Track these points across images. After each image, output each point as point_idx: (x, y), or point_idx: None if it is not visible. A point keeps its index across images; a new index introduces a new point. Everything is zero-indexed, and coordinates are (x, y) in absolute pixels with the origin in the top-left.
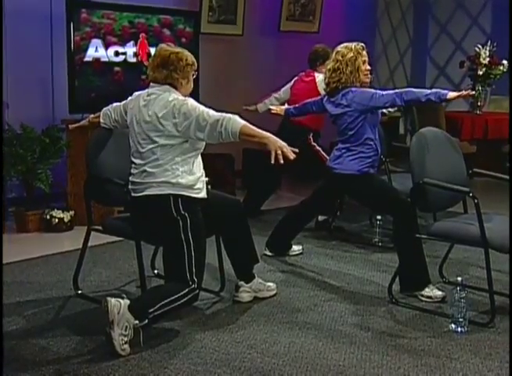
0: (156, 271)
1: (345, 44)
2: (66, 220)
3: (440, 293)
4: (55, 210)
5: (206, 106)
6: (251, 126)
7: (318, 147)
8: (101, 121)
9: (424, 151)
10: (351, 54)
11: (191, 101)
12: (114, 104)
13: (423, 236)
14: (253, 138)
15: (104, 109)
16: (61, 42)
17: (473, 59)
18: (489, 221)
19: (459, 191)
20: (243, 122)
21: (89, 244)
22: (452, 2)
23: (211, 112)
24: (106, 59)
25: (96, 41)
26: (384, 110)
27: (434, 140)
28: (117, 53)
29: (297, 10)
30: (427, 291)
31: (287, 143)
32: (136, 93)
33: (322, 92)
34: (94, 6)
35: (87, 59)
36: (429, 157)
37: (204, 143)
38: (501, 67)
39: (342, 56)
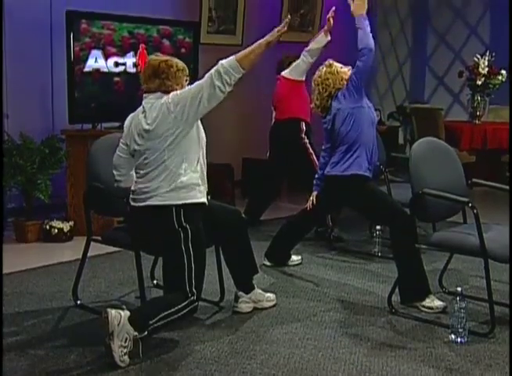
0: (155, 281)
1: None
2: (65, 230)
3: (440, 303)
4: (55, 220)
5: (205, 116)
6: (242, 52)
7: (311, 150)
8: (119, 178)
9: (423, 161)
10: (323, 69)
11: (180, 90)
12: (115, 155)
13: (422, 246)
14: (253, 54)
15: (115, 162)
16: (61, 53)
17: (471, 69)
18: (489, 231)
19: (459, 201)
20: (232, 56)
21: (89, 255)
22: (450, 12)
23: (199, 81)
24: (106, 70)
25: (96, 52)
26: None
27: (433, 150)
28: (116, 64)
29: (297, 20)
30: (428, 302)
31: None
32: (130, 115)
33: (292, 76)
34: (94, 17)
35: (87, 69)
36: (428, 167)
37: (203, 136)
38: (500, 77)
39: (319, 77)
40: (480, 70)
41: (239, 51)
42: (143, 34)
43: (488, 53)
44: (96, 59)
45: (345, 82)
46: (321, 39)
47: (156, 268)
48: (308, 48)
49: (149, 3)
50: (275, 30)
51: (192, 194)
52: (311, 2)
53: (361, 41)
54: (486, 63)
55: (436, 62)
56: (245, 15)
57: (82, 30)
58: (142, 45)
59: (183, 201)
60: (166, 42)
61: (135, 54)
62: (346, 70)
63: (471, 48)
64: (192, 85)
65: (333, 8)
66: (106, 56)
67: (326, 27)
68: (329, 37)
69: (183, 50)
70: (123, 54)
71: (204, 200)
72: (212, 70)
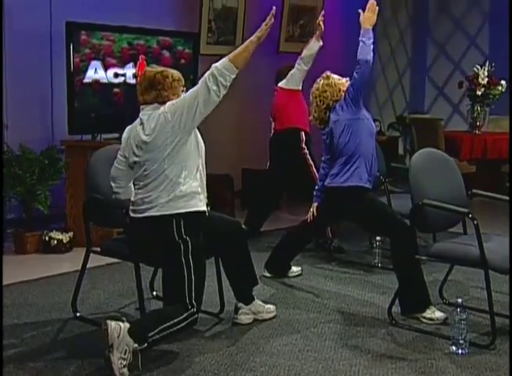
0: (155, 293)
1: None
2: (65, 241)
3: (441, 314)
4: (54, 231)
5: (204, 127)
6: (234, 51)
7: (310, 161)
8: (117, 190)
9: (423, 172)
10: (321, 82)
11: (176, 99)
12: (113, 167)
13: (422, 257)
14: (245, 51)
15: (113, 174)
16: (61, 64)
17: (471, 80)
18: (489, 242)
19: (459, 212)
20: (225, 58)
21: (88, 266)
22: (450, 23)
23: (193, 88)
24: (106, 81)
25: (96, 63)
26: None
27: (432, 161)
28: (116, 75)
29: (296, 31)
30: (429, 313)
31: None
32: (128, 127)
33: (289, 86)
34: (93, 28)
35: (86, 80)
36: (428, 178)
37: (201, 144)
38: (499, 87)
39: (316, 90)
40: (480, 80)
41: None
42: (143, 44)
43: (487, 64)
44: (96, 70)
45: (343, 94)
46: (313, 45)
47: (155, 279)
48: (302, 55)
49: (148, 14)
50: (263, 24)
51: (192, 203)
52: (311, 13)
53: (360, 52)
54: (486, 74)
55: (436, 72)
56: (244, 26)
57: (82, 41)
58: (141, 56)
59: (183, 210)
60: (166, 53)
61: (135, 65)
62: (344, 82)
63: (471, 59)
64: (188, 93)
65: (323, 12)
66: (106, 67)
67: (317, 32)
68: (321, 43)
69: (183, 61)
70: (122, 65)
71: (205, 208)
72: (206, 75)
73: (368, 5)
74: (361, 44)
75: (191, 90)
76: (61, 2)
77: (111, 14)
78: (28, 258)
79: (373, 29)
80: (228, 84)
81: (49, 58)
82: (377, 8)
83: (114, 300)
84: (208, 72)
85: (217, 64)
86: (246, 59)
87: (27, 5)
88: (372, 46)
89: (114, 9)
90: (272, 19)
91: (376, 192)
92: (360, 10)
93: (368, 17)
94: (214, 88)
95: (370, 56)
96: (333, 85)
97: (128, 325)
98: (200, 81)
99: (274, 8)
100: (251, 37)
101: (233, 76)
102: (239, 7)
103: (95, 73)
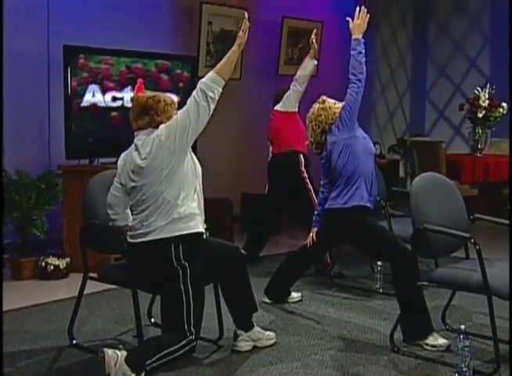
0: (153, 320)
1: None
2: (61, 267)
3: (444, 341)
4: (51, 257)
5: (203, 150)
6: (219, 64)
7: (310, 186)
8: (115, 217)
9: (424, 197)
10: (316, 106)
11: (168, 121)
12: (110, 194)
13: (424, 283)
14: (229, 62)
15: (110, 201)
16: (58, 87)
17: (472, 102)
18: (492, 267)
19: (461, 237)
20: (210, 72)
21: (85, 292)
22: (450, 44)
23: (184, 108)
24: (104, 105)
25: (93, 87)
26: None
27: (433, 185)
28: (114, 98)
29: (295, 54)
30: (431, 340)
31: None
32: (123, 154)
33: (285, 108)
34: (91, 51)
35: (84, 104)
36: (429, 202)
37: (198, 165)
38: (500, 109)
39: (312, 114)
40: (480, 102)
41: (238, 85)
42: (141, 68)
43: (488, 86)
44: (94, 93)
45: (338, 116)
46: (307, 64)
47: (153, 306)
48: (296, 76)
49: (146, 37)
50: (240, 30)
51: (192, 224)
52: (310, 36)
53: (352, 67)
54: (487, 96)
55: (436, 94)
56: (243, 49)
57: (80, 64)
58: (139, 80)
59: (183, 232)
60: (164, 76)
61: (133, 88)
62: (339, 106)
63: (472, 81)
64: (179, 112)
65: (315, 30)
66: (104, 91)
67: (311, 51)
68: (315, 61)
69: (181, 84)
70: (120, 88)
71: (203, 229)
72: (194, 93)
73: (357, 13)
74: (352, 59)
75: (182, 109)
76: (59, 25)
77: (109, 37)
78: (24, 285)
79: (373, 49)
80: (217, 97)
81: (47, 81)
82: (368, 15)
83: (112, 327)
84: (196, 89)
85: (203, 80)
86: (231, 69)
87: (24, 28)
88: (363, 59)
89: (112, 32)
90: (247, 23)
91: (377, 216)
92: (349, 18)
93: (358, 25)
94: (204, 103)
95: (363, 75)
96: (328, 109)
97: (125, 353)
98: (188, 101)
99: (245, 13)
100: (232, 48)
101: (221, 88)
102: (237, 30)
103: (93, 96)
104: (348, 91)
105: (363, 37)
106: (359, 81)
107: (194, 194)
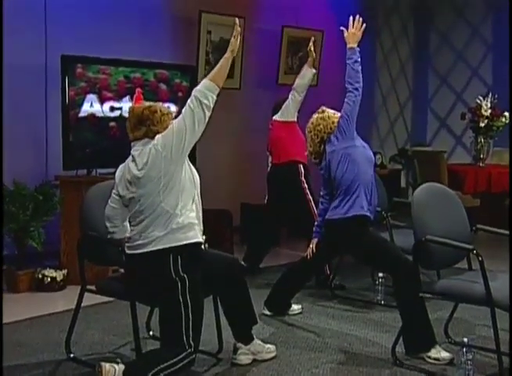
0: (151, 332)
1: None
2: (58, 279)
3: (447, 354)
4: (48, 269)
5: (202, 161)
6: (212, 72)
7: (309, 196)
8: (113, 230)
9: (426, 208)
10: (315, 116)
11: (165, 131)
12: (108, 206)
13: (426, 295)
14: (223, 69)
15: (107, 213)
16: (56, 97)
17: (474, 111)
18: (495, 279)
19: (463, 248)
20: (204, 79)
21: (82, 304)
22: (451, 53)
23: (179, 117)
24: (102, 115)
25: (91, 97)
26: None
27: (435, 196)
28: (112, 108)
29: (295, 63)
30: (434, 353)
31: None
32: (120, 166)
33: (284, 118)
34: (89, 61)
35: (82, 114)
36: (431, 213)
37: (196, 175)
38: (503, 119)
39: (311, 124)
40: (483, 111)
41: (237, 95)
42: (140, 77)
43: (490, 95)
44: (92, 103)
45: (336, 125)
46: (305, 73)
47: (152, 318)
48: (294, 85)
49: (145, 47)
50: (232, 37)
51: (190, 234)
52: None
53: (348, 76)
54: (489, 105)
55: (438, 104)
56: (243, 58)
57: (77, 74)
58: (138, 90)
59: (182, 242)
60: (163, 86)
61: (131, 98)
62: (338, 116)
63: (473, 90)
64: (174, 121)
65: (313, 38)
66: (102, 101)
67: (309, 59)
68: (314, 70)
69: (180, 94)
70: (119, 98)
71: (202, 239)
72: (189, 101)
73: (351, 22)
74: (348, 68)
75: (177, 118)
76: (56, 35)
77: (107, 47)
78: (21, 297)
79: (374, 58)
80: (212, 105)
81: (44, 91)
82: (364, 25)
83: (109, 340)
84: (191, 97)
85: (198, 87)
86: (224, 76)
87: (21, 38)
88: (359, 68)
89: (110, 41)
90: (238, 29)
91: (378, 227)
92: (343, 28)
93: (352, 34)
94: (199, 111)
95: (359, 84)
96: (327, 118)
97: (122, 367)
98: (184, 108)
99: (236, 19)
100: (225, 55)
101: (215, 96)
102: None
103: (91, 106)
104: (345, 100)
105: (359, 45)
106: (356, 90)
107: (192, 204)
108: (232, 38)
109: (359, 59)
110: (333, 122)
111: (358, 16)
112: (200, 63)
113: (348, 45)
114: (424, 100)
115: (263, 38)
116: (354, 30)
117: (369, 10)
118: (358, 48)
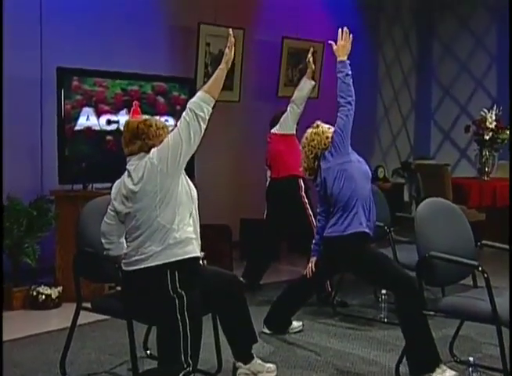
0: (149, 351)
1: None
2: (53, 297)
3: (453, 373)
4: (43, 286)
5: (201, 175)
6: (207, 83)
7: (310, 211)
8: (108, 246)
9: (429, 223)
10: (310, 131)
11: (160, 145)
12: (104, 223)
13: (431, 312)
14: (218, 80)
15: (103, 230)
16: (51, 110)
17: (478, 124)
18: (501, 296)
19: (468, 265)
20: (199, 91)
21: (78, 322)
22: (455, 64)
23: (174, 130)
24: (98, 128)
25: (88, 110)
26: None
27: (439, 211)
28: (109, 122)
29: (296, 75)
30: (439, 372)
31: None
32: (116, 181)
33: (282, 131)
34: (85, 74)
35: (78, 127)
36: (435, 229)
37: (193, 189)
38: (507, 131)
39: (305, 139)
40: (487, 124)
41: (237, 108)
42: (137, 90)
43: (495, 107)
44: (88, 117)
45: (330, 141)
46: (304, 85)
47: (149, 337)
48: (293, 98)
49: (142, 59)
50: (226, 48)
51: (188, 249)
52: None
53: (340, 90)
54: (494, 117)
55: (441, 116)
56: (242, 70)
57: (73, 87)
58: (135, 103)
59: (179, 258)
60: (161, 99)
61: (129, 111)
62: (332, 131)
63: (478, 102)
64: (170, 135)
65: (311, 49)
66: (99, 114)
67: (308, 71)
68: (313, 82)
69: (178, 107)
70: (116, 112)
71: (200, 254)
72: (184, 113)
73: (339, 34)
74: (339, 82)
75: (173, 131)
76: (52, 47)
77: (104, 59)
78: (15, 315)
79: (376, 69)
80: (207, 117)
81: (39, 104)
82: (351, 36)
83: (106, 359)
84: (186, 109)
85: (193, 99)
86: (219, 88)
87: (16, 50)
88: (351, 81)
89: (107, 53)
90: (232, 40)
91: (380, 242)
92: (331, 41)
93: (342, 47)
94: (194, 123)
95: (352, 97)
96: (321, 133)
97: None
98: (179, 121)
99: (230, 30)
100: (220, 66)
101: (211, 107)
102: (236, 52)
103: (87, 120)
104: (338, 114)
105: (348, 58)
106: (349, 103)
107: (190, 218)
108: (227, 49)
109: (350, 72)
110: (327, 137)
111: (345, 28)
112: (199, 75)
113: (338, 58)
114: (427, 112)
115: (263, 50)
116: (343, 42)
117: (371, 21)
118: (348, 61)
